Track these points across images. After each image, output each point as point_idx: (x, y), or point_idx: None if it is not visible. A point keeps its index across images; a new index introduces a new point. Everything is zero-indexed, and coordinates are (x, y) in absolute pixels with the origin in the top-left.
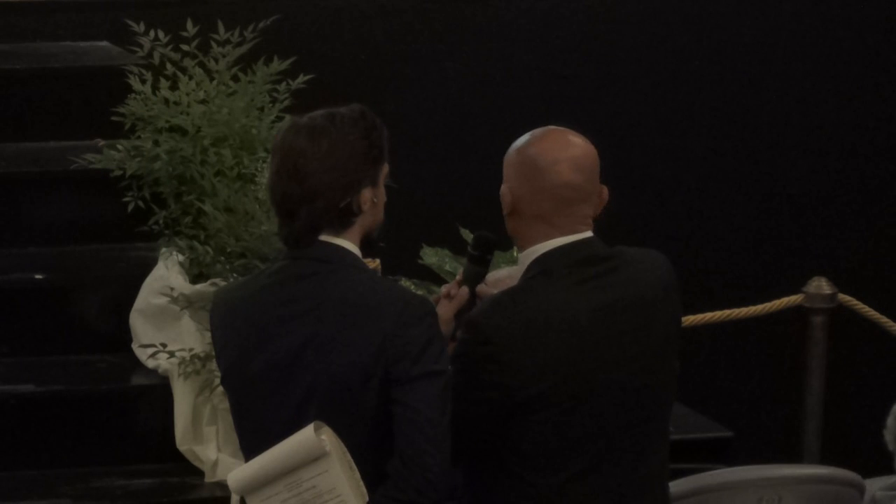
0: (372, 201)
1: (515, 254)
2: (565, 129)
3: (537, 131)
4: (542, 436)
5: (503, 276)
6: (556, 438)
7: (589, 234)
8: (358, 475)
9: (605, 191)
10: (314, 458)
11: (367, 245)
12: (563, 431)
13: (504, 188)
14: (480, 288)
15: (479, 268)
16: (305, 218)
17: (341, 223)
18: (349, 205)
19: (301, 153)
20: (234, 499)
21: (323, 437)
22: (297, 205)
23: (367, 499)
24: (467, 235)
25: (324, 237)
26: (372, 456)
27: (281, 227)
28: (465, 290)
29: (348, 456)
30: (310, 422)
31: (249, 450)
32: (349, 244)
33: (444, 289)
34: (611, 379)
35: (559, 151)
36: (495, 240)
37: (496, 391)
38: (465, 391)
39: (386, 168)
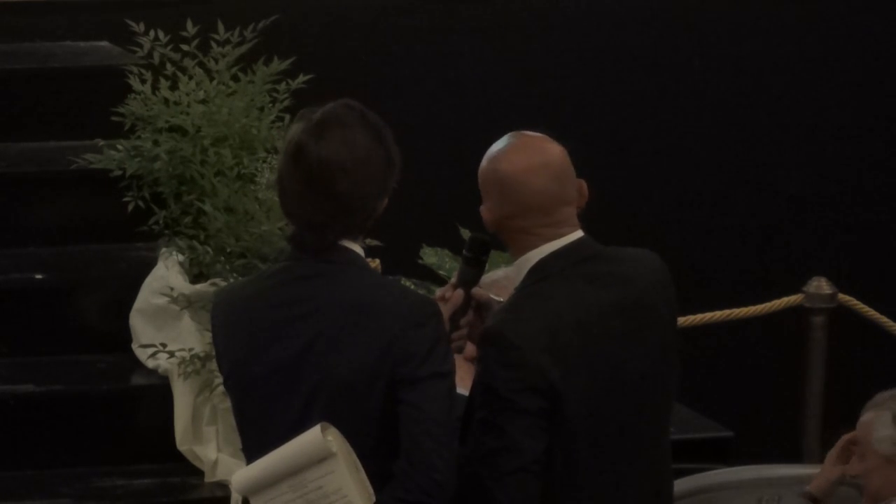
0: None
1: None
2: (529, 136)
3: (502, 145)
4: (560, 435)
5: (499, 276)
6: (573, 436)
7: (580, 233)
8: (364, 476)
9: (584, 185)
10: (320, 458)
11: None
12: (581, 429)
13: (483, 208)
14: (476, 290)
15: (473, 270)
16: (332, 231)
17: (361, 230)
18: (373, 214)
19: (335, 171)
20: (234, 498)
21: (329, 437)
22: (328, 220)
23: (373, 499)
24: (467, 235)
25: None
26: (378, 457)
27: (304, 239)
28: (460, 292)
29: (354, 456)
30: (315, 423)
31: (253, 452)
32: (353, 245)
33: (439, 292)
34: (624, 376)
35: (526, 163)
36: (490, 241)
37: (538, 397)
38: (501, 407)
39: None
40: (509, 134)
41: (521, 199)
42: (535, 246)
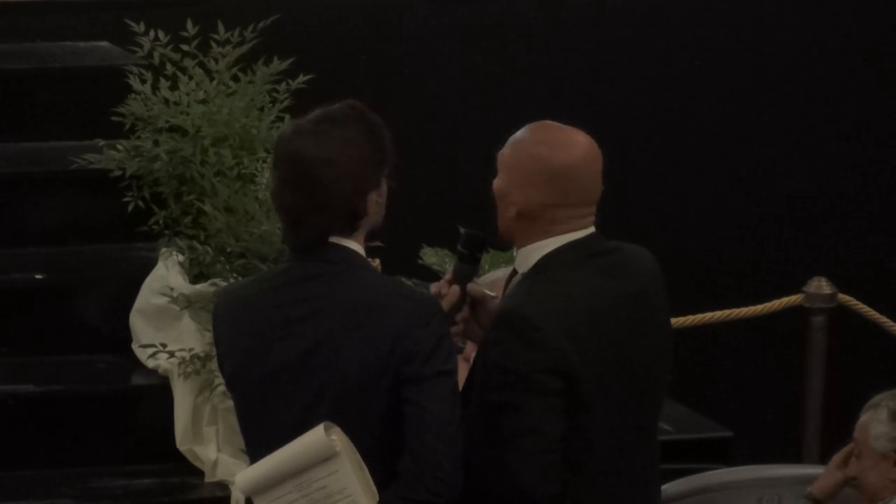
0: (376, 202)
1: (515, 252)
2: (574, 129)
3: (552, 135)
4: (576, 418)
5: (499, 276)
6: (588, 418)
7: (592, 229)
8: (368, 475)
9: None
10: (324, 458)
11: (366, 241)
12: (596, 413)
13: (519, 195)
14: (471, 286)
15: (468, 266)
16: (314, 226)
17: (349, 227)
18: (356, 210)
19: (310, 162)
20: (235, 497)
21: (333, 437)
22: (306, 214)
23: (377, 499)
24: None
25: (331, 239)
26: (382, 456)
27: (288, 235)
28: (456, 288)
29: (358, 456)
30: (318, 423)
31: (256, 452)
32: (355, 245)
33: (433, 287)
34: (630, 363)
35: (584, 155)
36: (484, 237)
37: (558, 379)
38: (522, 389)
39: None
40: (543, 123)
41: (572, 189)
42: (549, 236)
